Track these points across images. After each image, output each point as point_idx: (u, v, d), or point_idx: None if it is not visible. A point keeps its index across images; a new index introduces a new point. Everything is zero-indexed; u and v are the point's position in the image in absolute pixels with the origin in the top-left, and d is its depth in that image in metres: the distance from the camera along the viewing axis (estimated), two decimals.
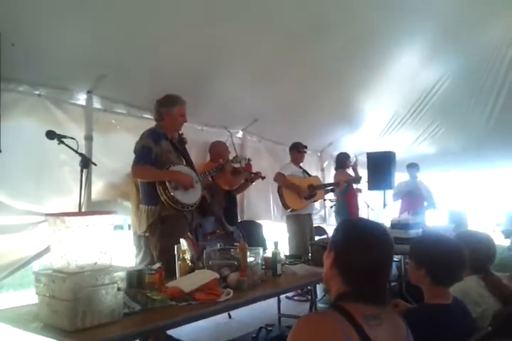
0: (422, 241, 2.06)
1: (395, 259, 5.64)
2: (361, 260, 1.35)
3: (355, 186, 6.50)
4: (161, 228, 3.27)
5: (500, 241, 8.00)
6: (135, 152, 3.33)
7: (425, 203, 7.20)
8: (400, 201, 7.32)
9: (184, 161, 3.56)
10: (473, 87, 6.36)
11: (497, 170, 8.51)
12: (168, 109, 3.44)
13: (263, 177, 5.08)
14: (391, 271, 1.45)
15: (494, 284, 2.18)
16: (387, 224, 5.17)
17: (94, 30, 3.24)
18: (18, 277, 4.59)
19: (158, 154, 3.27)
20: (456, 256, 1.85)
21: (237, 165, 4.64)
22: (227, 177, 4.61)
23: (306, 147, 5.60)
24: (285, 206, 5.38)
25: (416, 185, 7.15)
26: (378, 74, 5.60)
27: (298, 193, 5.32)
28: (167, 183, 3.23)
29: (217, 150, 4.84)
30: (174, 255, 2.71)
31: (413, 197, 7.06)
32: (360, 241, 1.39)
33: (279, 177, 5.31)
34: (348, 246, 1.40)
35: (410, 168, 7.09)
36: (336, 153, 7.64)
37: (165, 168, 3.29)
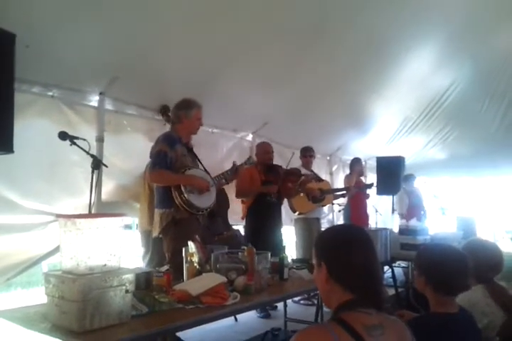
0: (425, 250, 2.07)
1: (403, 265, 5.64)
2: (354, 259, 1.37)
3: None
4: (174, 230, 3.29)
5: (509, 248, 7.92)
6: (151, 157, 3.38)
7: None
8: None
9: (200, 165, 3.59)
10: (485, 92, 6.33)
11: (508, 176, 8.45)
12: (186, 111, 3.48)
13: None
14: (383, 273, 1.47)
15: (498, 294, 2.17)
16: (395, 230, 5.16)
17: (107, 32, 3.27)
18: (26, 275, 4.65)
19: (173, 158, 3.30)
20: (455, 268, 1.84)
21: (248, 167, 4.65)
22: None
23: (312, 152, 5.60)
24: (292, 209, 5.41)
25: (416, 194, 7.09)
26: (389, 79, 5.59)
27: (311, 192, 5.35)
28: (182, 187, 3.26)
29: (263, 150, 4.93)
30: None
31: (414, 206, 7.02)
32: (345, 243, 1.42)
33: None
34: (337, 252, 1.42)
35: (409, 180, 7.03)
36: (345, 157, 7.65)
37: (180, 171, 3.31)
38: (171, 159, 3.30)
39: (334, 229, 1.63)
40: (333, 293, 1.40)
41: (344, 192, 5.97)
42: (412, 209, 6.87)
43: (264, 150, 4.92)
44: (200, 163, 3.64)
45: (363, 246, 1.42)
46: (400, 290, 5.11)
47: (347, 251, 1.40)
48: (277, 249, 3.21)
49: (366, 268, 1.38)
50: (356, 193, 6.19)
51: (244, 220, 4.90)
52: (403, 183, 6.88)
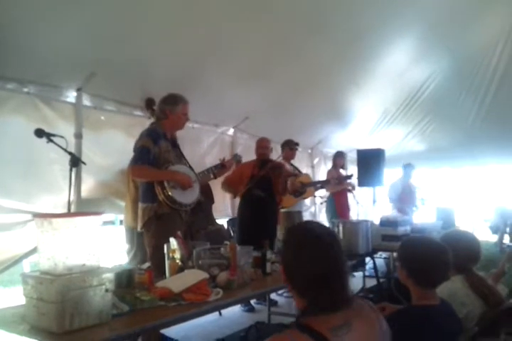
0: (407, 243, 2.08)
1: (384, 256, 5.71)
2: (309, 269, 1.28)
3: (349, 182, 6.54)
4: (156, 225, 3.26)
5: (487, 237, 8.08)
6: (134, 151, 3.32)
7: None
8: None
9: (184, 160, 3.56)
10: (463, 84, 6.40)
11: (486, 166, 8.60)
12: (173, 107, 3.40)
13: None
14: (348, 274, 1.34)
15: (476, 284, 2.20)
16: (376, 222, 5.21)
17: (84, 28, 3.21)
18: (7, 274, 4.56)
19: (156, 154, 3.24)
20: (436, 260, 1.87)
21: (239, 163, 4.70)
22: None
23: (297, 144, 5.60)
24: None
25: (409, 185, 7.21)
26: (368, 72, 5.61)
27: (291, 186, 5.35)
28: (165, 183, 3.22)
29: (258, 145, 4.96)
30: None
31: (406, 196, 7.12)
32: (303, 250, 1.32)
33: None
34: (292, 258, 1.33)
35: (408, 168, 7.16)
36: (326, 150, 7.69)
37: (163, 167, 3.28)
38: (154, 155, 3.24)
39: (290, 229, 1.48)
40: (293, 294, 1.35)
41: (322, 184, 6.03)
42: (404, 199, 6.99)
43: (258, 146, 4.96)
44: (185, 158, 3.61)
45: (319, 255, 1.29)
46: (381, 280, 5.18)
47: (300, 261, 1.30)
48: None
49: (321, 278, 1.27)
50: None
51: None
52: (403, 171, 7.13)
